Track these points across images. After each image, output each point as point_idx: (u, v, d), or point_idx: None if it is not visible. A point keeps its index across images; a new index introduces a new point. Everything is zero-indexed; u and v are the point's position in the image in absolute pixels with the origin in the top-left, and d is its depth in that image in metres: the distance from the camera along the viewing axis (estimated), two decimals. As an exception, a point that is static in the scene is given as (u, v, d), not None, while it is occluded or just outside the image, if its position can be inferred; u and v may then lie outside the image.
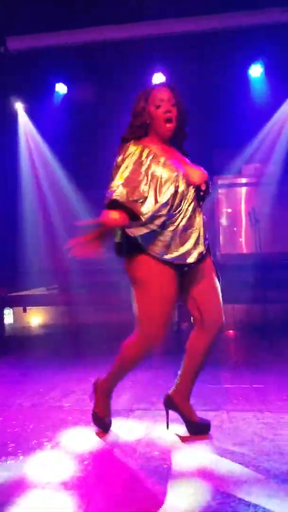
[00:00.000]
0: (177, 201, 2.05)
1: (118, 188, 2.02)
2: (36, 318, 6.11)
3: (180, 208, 2.07)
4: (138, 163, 2.07)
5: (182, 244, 2.09)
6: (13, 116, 6.19)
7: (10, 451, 2.20)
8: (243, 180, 5.51)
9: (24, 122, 6.26)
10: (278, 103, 5.63)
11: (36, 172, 6.03)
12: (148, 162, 2.06)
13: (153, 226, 2.05)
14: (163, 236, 2.08)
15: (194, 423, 2.28)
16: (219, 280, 2.25)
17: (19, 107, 6.25)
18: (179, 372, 2.33)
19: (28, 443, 2.28)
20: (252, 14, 4.84)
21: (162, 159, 2.08)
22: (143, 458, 2.09)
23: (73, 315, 5.27)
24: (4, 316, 5.36)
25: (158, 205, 2.01)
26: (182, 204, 2.07)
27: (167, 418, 2.35)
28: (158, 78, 5.44)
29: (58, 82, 5.77)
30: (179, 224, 2.07)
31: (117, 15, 4.83)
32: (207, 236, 2.18)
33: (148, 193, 2.02)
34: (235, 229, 5.46)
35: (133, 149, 2.11)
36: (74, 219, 5.27)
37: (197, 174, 2.14)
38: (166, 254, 2.10)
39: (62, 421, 2.55)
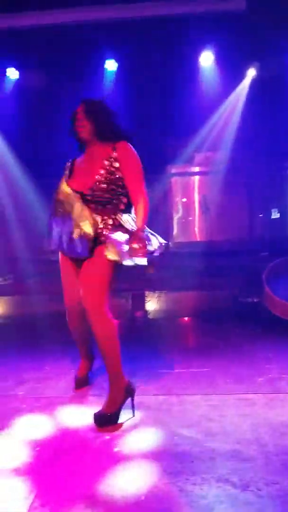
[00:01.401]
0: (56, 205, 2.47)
1: None
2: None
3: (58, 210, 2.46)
4: None
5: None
6: None
7: None
8: (196, 169, 5.60)
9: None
10: (228, 92, 5.72)
11: None
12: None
13: None
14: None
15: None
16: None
17: None
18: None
19: (-19, 432, 2.29)
20: (203, 2, 4.89)
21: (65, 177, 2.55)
22: (93, 442, 2.16)
23: (27, 304, 5.22)
24: None
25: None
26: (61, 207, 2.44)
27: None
28: (110, 65, 5.41)
29: (9, 67, 5.59)
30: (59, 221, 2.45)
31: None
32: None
33: None
34: (190, 218, 5.57)
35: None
36: (27, 207, 5.19)
37: (79, 183, 2.47)
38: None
39: (15, 409, 2.57)
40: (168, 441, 2.14)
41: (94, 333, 2.38)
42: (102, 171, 2.41)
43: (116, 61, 5.41)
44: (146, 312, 5.02)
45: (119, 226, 2.39)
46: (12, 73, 5.69)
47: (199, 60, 5.50)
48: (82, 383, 2.87)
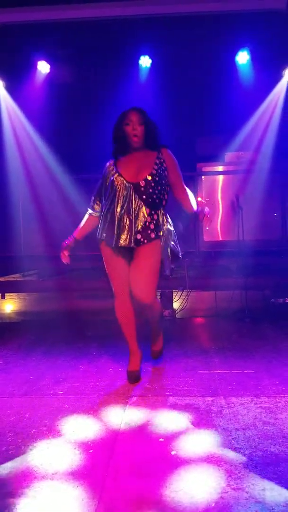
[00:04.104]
0: (111, 197, 2.72)
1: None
2: (13, 305, 5.95)
3: (112, 202, 2.70)
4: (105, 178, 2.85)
5: (112, 229, 2.69)
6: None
7: (10, 440, 2.14)
8: (226, 168, 5.50)
9: (5, 100, 6.00)
10: (264, 91, 5.64)
11: (21, 150, 5.79)
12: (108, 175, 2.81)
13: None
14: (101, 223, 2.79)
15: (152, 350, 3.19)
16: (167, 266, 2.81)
17: None
18: None
19: (28, 432, 2.22)
20: (238, 0, 4.80)
21: (113, 171, 2.77)
22: (148, 445, 2.07)
23: (55, 301, 5.16)
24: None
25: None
26: (115, 198, 2.69)
27: None
28: (145, 61, 5.34)
29: (40, 60, 5.56)
30: (110, 214, 2.72)
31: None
32: (149, 225, 2.69)
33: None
34: (229, 217, 5.43)
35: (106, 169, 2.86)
36: (59, 201, 5.12)
37: (134, 175, 2.70)
38: (101, 236, 2.76)
39: (58, 409, 2.50)
40: (226, 444, 2.04)
41: (149, 316, 2.92)
42: (155, 167, 2.71)
43: (151, 57, 5.35)
44: (174, 311, 4.92)
45: (161, 224, 2.75)
46: (43, 67, 5.65)
47: (236, 59, 5.42)
48: (139, 377, 2.92)
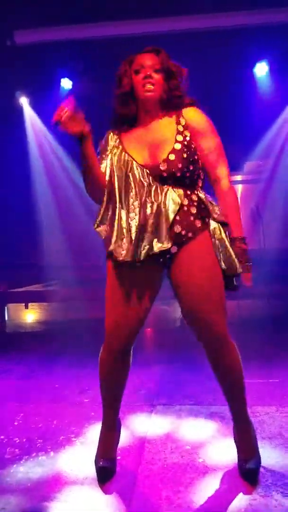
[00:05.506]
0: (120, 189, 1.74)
1: None
2: (35, 314, 6.05)
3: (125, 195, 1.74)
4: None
5: (126, 236, 1.70)
6: (19, 111, 6.20)
7: (39, 447, 2.19)
8: (246, 178, 5.54)
9: (30, 116, 6.25)
10: (283, 102, 5.69)
11: (46, 164, 5.97)
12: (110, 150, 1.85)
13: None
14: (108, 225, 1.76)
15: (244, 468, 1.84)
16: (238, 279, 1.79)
17: (24, 101, 6.27)
18: None
19: (56, 438, 2.27)
20: (257, 13, 4.88)
21: (118, 147, 1.84)
22: (176, 453, 2.09)
23: (75, 310, 5.23)
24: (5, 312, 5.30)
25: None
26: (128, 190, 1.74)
27: None
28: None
29: (63, 77, 5.79)
30: (123, 213, 1.72)
31: (123, 11, 4.82)
32: (189, 209, 1.71)
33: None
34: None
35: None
36: (81, 213, 5.23)
37: (148, 155, 1.78)
38: (108, 247, 1.73)
39: (84, 416, 2.54)
40: (253, 453, 2.05)
41: (221, 370, 1.90)
42: (178, 139, 1.75)
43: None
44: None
45: (204, 208, 1.73)
46: (66, 83, 5.86)
47: (254, 71, 5.51)
48: (111, 473, 1.87)
